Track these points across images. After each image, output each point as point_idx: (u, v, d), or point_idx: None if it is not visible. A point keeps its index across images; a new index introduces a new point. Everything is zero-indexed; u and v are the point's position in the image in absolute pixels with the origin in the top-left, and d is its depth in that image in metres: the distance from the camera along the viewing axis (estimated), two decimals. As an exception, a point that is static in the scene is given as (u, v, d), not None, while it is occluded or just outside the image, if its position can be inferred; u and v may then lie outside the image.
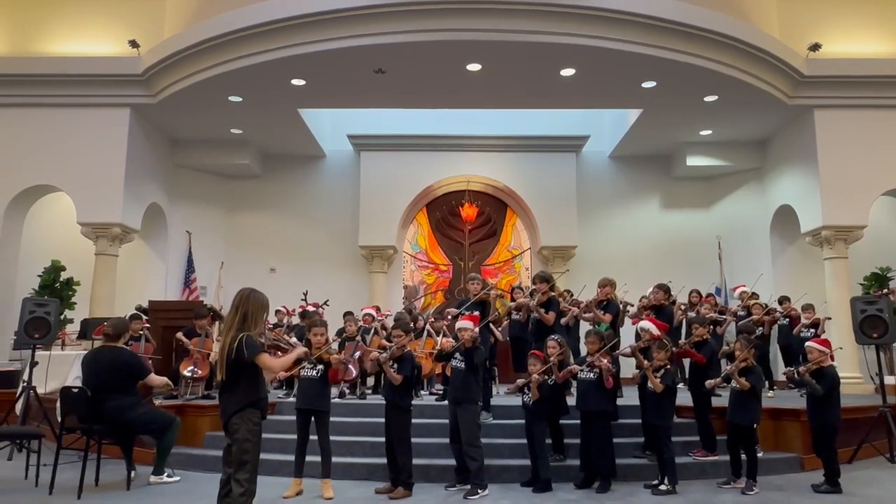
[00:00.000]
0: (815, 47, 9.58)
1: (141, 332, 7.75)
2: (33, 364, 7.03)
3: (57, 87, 9.88)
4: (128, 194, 9.96)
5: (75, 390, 5.59)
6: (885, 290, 6.54)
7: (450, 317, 7.19)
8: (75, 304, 9.95)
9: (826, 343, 5.88)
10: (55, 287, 9.74)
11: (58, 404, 5.98)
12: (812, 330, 8.40)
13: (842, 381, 5.97)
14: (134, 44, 9.58)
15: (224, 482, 3.88)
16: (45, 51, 10.15)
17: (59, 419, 5.83)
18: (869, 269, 10.16)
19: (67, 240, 10.30)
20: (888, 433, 6.78)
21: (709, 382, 5.99)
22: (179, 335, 7.81)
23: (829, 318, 8.90)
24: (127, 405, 5.59)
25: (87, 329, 8.45)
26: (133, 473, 5.75)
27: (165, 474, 5.85)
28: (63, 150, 9.90)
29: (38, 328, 7.03)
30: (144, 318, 8.12)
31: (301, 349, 4.73)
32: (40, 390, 7.09)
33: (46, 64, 9.86)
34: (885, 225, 10.77)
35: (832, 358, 5.87)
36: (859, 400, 7.76)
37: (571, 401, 6.31)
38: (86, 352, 6.65)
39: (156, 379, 5.99)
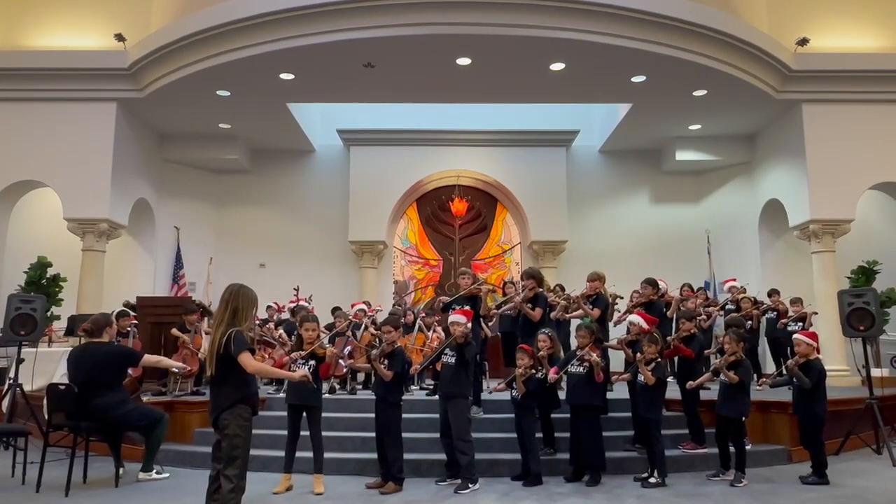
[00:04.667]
0: (803, 42, 9.62)
1: (129, 329, 7.69)
2: (19, 361, 6.96)
3: (42, 82, 9.75)
4: (115, 189, 9.87)
5: (62, 387, 5.55)
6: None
7: (440, 304, 7.11)
8: (62, 300, 9.86)
9: (813, 336, 5.92)
10: (41, 283, 9.64)
11: (44, 401, 5.93)
12: (799, 323, 8.48)
13: (829, 373, 6.04)
14: (120, 37, 9.49)
15: (213, 478, 3.86)
16: (30, 45, 10.01)
17: (46, 416, 5.78)
18: (856, 263, 10.24)
19: (54, 236, 10.19)
20: (874, 425, 6.85)
21: (690, 384, 6.05)
22: (175, 331, 7.76)
23: (816, 313, 8.99)
24: (115, 402, 5.55)
25: (75, 326, 8.35)
26: (121, 470, 5.71)
27: (154, 471, 5.82)
28: (49, 145, 9.79)
29: (24, 325, 6.95)
30: (132, 314, 8.07)
31: (301, 373, 4.57)
32: (27, 387, 7.02)
33: (31, 58, 9.74)
34: (872, 219, 10.86)
35: (818, 351, 5.92)
36: (846, 392, 7.84)
37: (562, 395, 6.33)
38: (72, 348, 6.59)
39: (151, 358, 5.97)
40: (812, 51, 9.72)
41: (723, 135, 11.53)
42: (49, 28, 10.12)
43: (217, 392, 3.87)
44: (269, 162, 12.44)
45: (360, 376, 8.49)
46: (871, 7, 10.32)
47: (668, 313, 7.71)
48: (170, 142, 11.47)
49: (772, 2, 10.15)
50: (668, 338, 6.43)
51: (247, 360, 3.79)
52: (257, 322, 7.19)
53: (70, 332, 8.59)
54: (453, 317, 5.83)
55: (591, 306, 6.90)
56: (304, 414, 5.57)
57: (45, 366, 7.60)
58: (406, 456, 5.65)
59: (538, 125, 12.22)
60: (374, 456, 5.67)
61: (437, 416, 5.85)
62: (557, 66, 9.07)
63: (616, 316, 7.92)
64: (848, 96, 9.93)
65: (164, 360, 6.30)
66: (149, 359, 5.97)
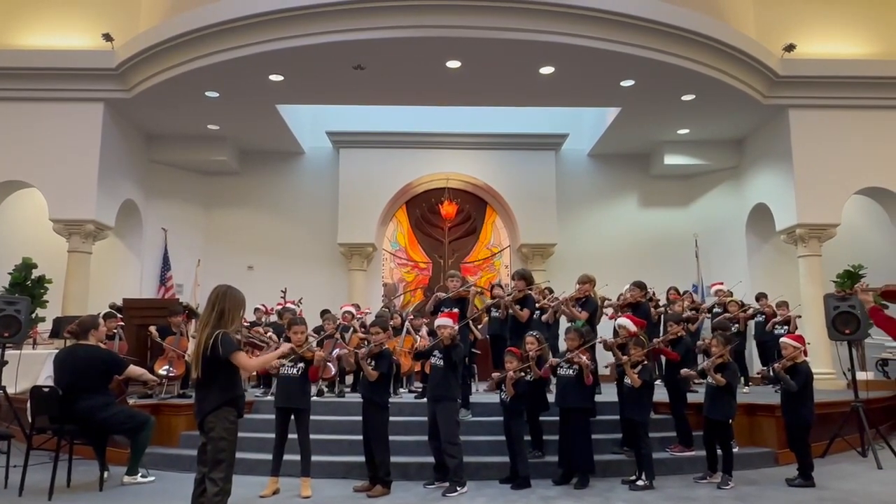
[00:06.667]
0: (790, 48, 9.71)
1: (115, 331, 7.62)
2: (3, 363, 6.87)
3: (28, 81, 9.65)
4: (102, 190, 9.79)
5: (46, 389, 5.49)
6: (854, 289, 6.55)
7: (440, 295, 7.04)
8: (47, 302, 9.74)
9: (800, 339, 5.97)
10: (26, 285, 9.53)
11: (28, 404, 5.86)
12: (785, 326, 8.54)
13: (815, 376, 6.07)
14: (108, 37, 9.43)
15: (199, 481, 3.82)
16: (17, 44, 9.92)
17: (30, 419, 5.71)
18: (842, 267, 10.32)
19: (39, 237, 10.09)
20: (860, 428, 6.89)
21: (684, 371, 6.06)
22: (151, 329, 7.70)
23: (800, 316, 9.06)
24: (100, 404, 5.50)
25: (60, 327, 8.28)
26: (106, 474, 5.67)
27: (140, 474, 5.77)
28: (35, 145, 9.68)
29: (8, 326, 6.85)
30: (118, 316, 7.99)
31: (286, 346, 4.70)
32: (11, 390, 6.94)
33: (17, 57, 9.64)
34: (858, 223, 10.94)
35: (805, 353, 5.96)
36: (832, 395, 7.89)
37: (551, 397, 6.34)
38: (57, 350, 6.52)
39: (135, 370, 5.93)
40: (799, 56, 9.81)
41: (711, 139, 11.60)
42: (36, 27, 10.03)
43: (202, 394, 3.83)
44: (257, 164, 12.39)
45: (349, 379, 8.46)
46: (857, 14, 10.42)
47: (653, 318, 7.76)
48: (157, 143, 11.39)
49: (759, 8, 10.24)
50: (655, 340, 6.44)
51: (242, 360, 3.78)
52: (245, 324, 7.14)
53: (55, 334, 8.51)
54: (440, 320, 5.83)
55: (579, 309, 6.91)
56: (292, 417, 5.54)
57: (30, 368, 7.52)
58: (394, 459, 5.63)
59: (528, 128, 12.24)
60: (362, 459, 5.64)
61: (426, 418, 5.84)
62: (547, 70, 9.09)
63: (605, 318, 7.95)
64: (834, 102, 10.02)
65: (146, 375, 6.28)
66: (133, 370, 5.93)
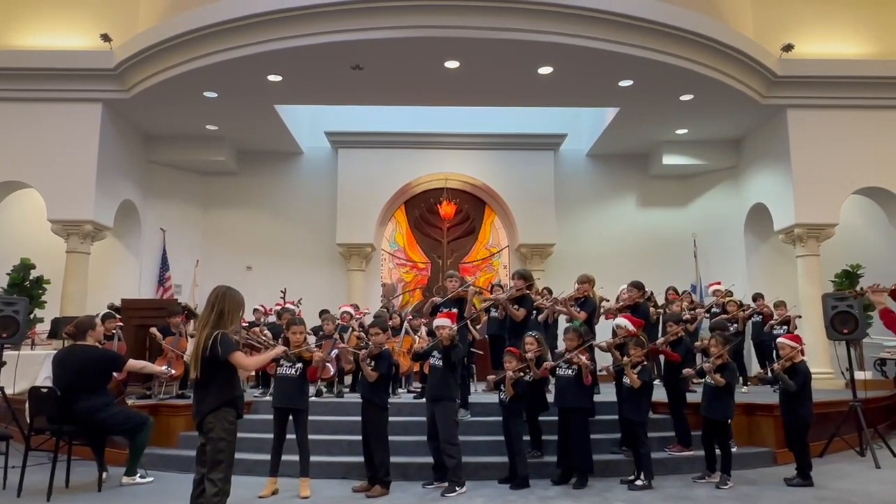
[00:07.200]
0: (788, 48, 9.72)
1: (114, 332, 7.61)
2: (1, 364, 6.86)
3: (27, 82, 9.64)
4: (100, 191, 9.77)
5: (44, 390, 5.48)
6: (859, 290, 6.59)
7: (429, 307, 7.03)
8: (45, 302, 9.74)
9: (798, 339, 5.98)
10: (24, 285, 9.53)
11: (27, 405, 5.85)
12: (784, 327, 8.55)
13: (813, 376, 6.07)
14: (106, 38, 9.42)
15: (197, 482, 3.82)
16: (15, 44, 9.91)
17: (28, 420, 5.70)
18: (840, 267, 10.34)
19: (37, 237, 10.08)
20: (858, 427, 6.90)
21: (686, 371, 6.06)
22: (153, 330, 7.71)
23: (800, 316, 9.07)
24: (98, 405, 5.50)
25: (58, 328, 8.27)
26: (105, 475, 5.66)
27: (138, 475, 5.77)
28: (33, 145, 9.67)
29: (6, 327, 6.83)
30: (117, 316, 7.99)
31: (279, 348, 4.75)
32: (9, 391, 6.92)
33: (15, 58, 9.63)
34: (856, 223, 10.96)
35: (803, 353, 5.97)
36: (830, 395, 7.89)
37: (550, 397, 6.34)
38: (56, 351, 6.52)
39: (135, 363, 5.93)
40: (797, 56, 9.81)
41: (709, 139, 11.61)
42: (34, 28, 10.01)
43: (201, 395, 3.84)
44: (256, 164, 12.38)
45: (348, 379, 8.46)
46: (855, 14, 10.42)
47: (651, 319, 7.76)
48: (156, 143, 11.38)
49: (757, 7, 10.25)
50: (657, 341, 6.44)
51: (241, 360, 3.80)
52: (244, 325, 7.15)
53: (53, 334, 8.50)
54: (438, 320, 5.83)
55: (578, 309, 6.91)
56: (291, 417, 5.54)
57: (28, 368, 7.51)
58: (393, 459, 5.64)
59: (526, 129, 12.25)
60: (361, 459, 5.65)
61: (425, 419, 5.84)
62: (545, 70, 9.09)
63: (603, 318, 7.94)
64: (832, 102, 10.02)
65: (148, 366, 6.29)
66: (133, 364, 5.95)
